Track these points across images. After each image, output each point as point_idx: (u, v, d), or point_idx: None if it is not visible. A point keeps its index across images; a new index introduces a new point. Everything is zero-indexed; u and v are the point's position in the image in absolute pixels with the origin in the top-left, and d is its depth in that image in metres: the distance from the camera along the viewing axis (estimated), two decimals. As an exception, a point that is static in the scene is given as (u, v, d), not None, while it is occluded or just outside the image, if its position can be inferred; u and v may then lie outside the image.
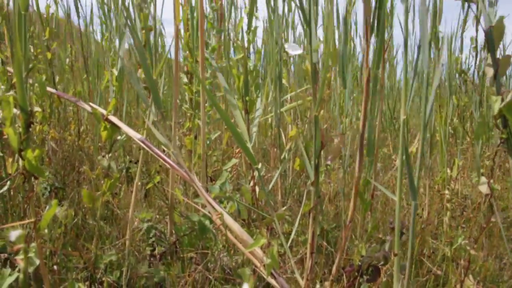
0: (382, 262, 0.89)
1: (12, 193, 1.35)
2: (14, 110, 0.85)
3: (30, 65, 0.81)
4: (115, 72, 1.18)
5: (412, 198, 0.73)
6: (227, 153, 2.04)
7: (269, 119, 2.18)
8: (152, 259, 1.19)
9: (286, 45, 1.47)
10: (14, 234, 0.51)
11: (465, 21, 1.88)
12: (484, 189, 0.88)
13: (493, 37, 0.79)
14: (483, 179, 0.89)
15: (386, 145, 2.86)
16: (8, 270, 0.79)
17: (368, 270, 0.93)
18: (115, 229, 1.36)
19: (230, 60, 1.35)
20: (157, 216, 1.40)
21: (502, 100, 0.77)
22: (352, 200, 0.98)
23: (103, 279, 1.10)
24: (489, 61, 0.79)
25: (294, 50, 1.47)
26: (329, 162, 0.94)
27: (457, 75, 2.35)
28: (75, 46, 2.54)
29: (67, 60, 2.42)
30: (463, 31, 1.97)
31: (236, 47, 1.33)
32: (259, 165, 1.43)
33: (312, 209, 0.93)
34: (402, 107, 0.76)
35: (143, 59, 0.97)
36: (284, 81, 2.12)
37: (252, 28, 1.37)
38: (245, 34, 1.40)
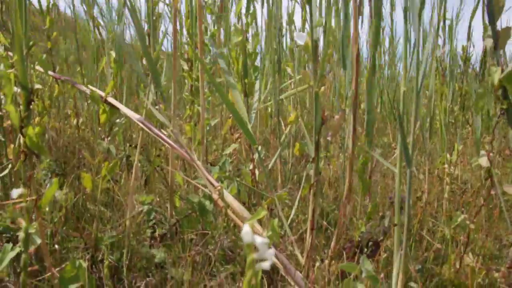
0: (381, 238, 0.90)
1: (13, 179, 1.36)
2: (15, 88, 0.86)
3: (31, 42, 0.82)
4: (113, 54, 1.19)
5: (408, 166, 0.73)
6: (227, 141, 2.05)
7: (269, 109, 2.18)
8: (152, 241, 1.20)
9: (295, 34, 1.46)
10: (16, 192, 0.51)
11: (474, 10, 1.86)
12: (484, 162, 0.88)
13: (493, 9, 0.79)
14: (482, 152, 0.90)
15: (386, 134, 2.86)
16: (10, 245, 0.80)
17: (368, 246, 0.94)
18: (115, 214, 1.36)
19: (230, 43, 1.35)
20: (158, 199, 1.41)
21: (502, 71, 0.77)
22: (348, 175, 0.99)
23: (104, 260, 1.11)
24: (489, 33, 0.79)
25: (302, 39, 1.47)
26: (329, 138, 0.94)
27: (461, 63, 2.34)
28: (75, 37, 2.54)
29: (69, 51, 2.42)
30: (471, 19, 1.95)
31: (235, 30, 1.33)
32: (259, 148, 1.43)
33: (313, 185, 0.94)
34: (402, 79, 0.77)
35: (141, 38, 0.97)
36: (289, 70, 2.12)
37: (251, 11, 1.37)
38: (243, 18, 1.40)
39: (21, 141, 0.83)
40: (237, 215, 0.96)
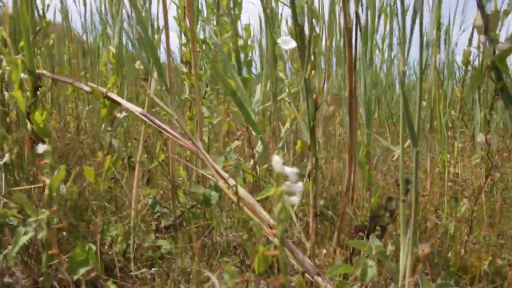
0: (388, 220, 0.90)
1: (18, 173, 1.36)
2: (22, 75, 0.87)
3: (37, 28, 0.83)
4: (113, 49, 1.19)
5: (413, 145, 0.74)
6: (226, 144, 2.05)
7: (268, 112, 2.19)
8: (157, 233, 1.20)
9: (279, 40, 1.48)
10: (41, 147, 0.51)
11: None
12: (482, 141, 0.89)
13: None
14: (481, 134, 0.90)
15: (384, 138, 2.88)
16: (23, 229, 0.80)
17: (374, 230, 0.94)
18: (119, 209, 1.36)
19: (220, 39, 1.35)
20: (162, 192, 1.41)
21: (494, 53, 0.79)
22: (348, 162, 0.99)
23: (110, 251, 1.11)
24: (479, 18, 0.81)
25: (286, 44, 1.47)
26: (324, 124, 0.95)
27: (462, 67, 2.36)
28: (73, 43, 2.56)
29: (65, 56, 2.44)
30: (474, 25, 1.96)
31: (222, 24, 1.33)
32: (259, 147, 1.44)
33: (312, 172, 0.94)
34: (401, 59, 0.78)
35: (143, 29, 0.98)
36: (281, 74, 2.13)
37: (238, 1, 1.36)
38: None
39: (28, 127, 0.84)
40: (244, 203, 0.97)
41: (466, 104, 2.58)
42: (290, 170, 0.33)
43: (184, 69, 1.73)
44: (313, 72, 0.91)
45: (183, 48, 1.79)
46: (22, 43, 0.77)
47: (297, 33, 0.90)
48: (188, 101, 1.73)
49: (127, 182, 1.62)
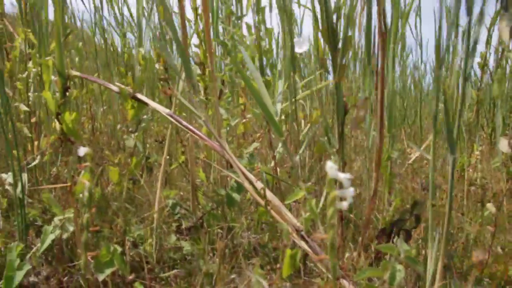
0: (414, 225, 0.90)
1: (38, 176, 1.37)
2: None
3: (68, 30, 0.83)
4: (142, 51, 1.20)
5: (451, 152, 0.73)
6: (242, 145, 2.05)
7: (282, 115, 2.19)
8: (178, 234, 1.20)
9: (294, 41, 1.47)
10: (82, 149, 0.51)
11: (497, 14, 1.84)
12: (504, 147, 0.88)
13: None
14: (502, 139, 0.89)
15: (400, 140, 2.86)
16: (50, 227, 0.80)
17: (399, 235, 0.93)
18: (139, 210, 1.37)
19: (243, 42, 1.36)
20: (181, 194, 1.42)
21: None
22: (375, 167, 0.99)
23: (132, 252, 1.11)
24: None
25: (300, 47, 1.47)
26: (353, 128, 0.95)
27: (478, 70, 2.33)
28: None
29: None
30: (491, 25, 1.93)
31: (247, 28, 1.34)
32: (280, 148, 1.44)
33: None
34: (435, 63, 0.77)
35: (173, 31, 0.98)
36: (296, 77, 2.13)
37: (261, 7, 1.37)
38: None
39: (57, 127, 0.85)
40: (275, 211, 0.96)
41: (482, 107, 2.56)
42: (344, 176, 0.33)
43: (199, 71, 1.74)
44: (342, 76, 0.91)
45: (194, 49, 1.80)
46: (53, 45, 0.78)
47: (330, 38, 0.90)
48: (204, 102, 1.73)
49: (144, 183, 1.63)
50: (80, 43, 1.35)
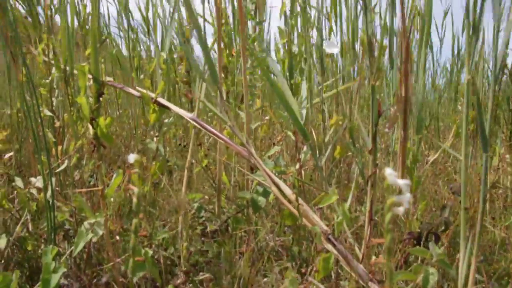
0: (443, 228, 0.90)
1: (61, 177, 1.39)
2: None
3: (103, 37, 0.85)
4: (164, 55, 1.22)
5: (484, 150, 0.73)
6: (259, 148, 2.06)
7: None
8: (203, 237, 1.21)
9: (324, 43, 1.48)
10: (132, 156, 0.53)
11: None
12: None
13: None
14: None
15: (419, 140, 2.84)
16: (83, 231, 0.82)
17: (427, 238, 0.93)
18: (162, 213, 1.38)
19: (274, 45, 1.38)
20: (206, 197, 1.43)
21: None
22: (400, 169, 0.99)
23: (157, 255, 1.12)
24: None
25: (331, 48, 1.48)
26: (387, 130, 0.95)
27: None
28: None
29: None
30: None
31: (280, 32, 1.36)
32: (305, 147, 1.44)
33: (370, 177, 0.94)
34: (466, 66, 0.78)
35: (199, 32, 0.99)
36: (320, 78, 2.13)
37: (295, 13, 1.40)
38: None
39: (91, 132, 0.86)
40: (304, 216, 0.97)
41: (501, 108, 2.54)
42: (403, 182, 0.34)
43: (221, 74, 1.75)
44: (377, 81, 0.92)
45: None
46: (88, 51, 0.80)
47: (368, 43, 0.91)
48: (229, 107, 1.75)
49: (165, 187, 1.64)
50: (115, 50, 1.37)
